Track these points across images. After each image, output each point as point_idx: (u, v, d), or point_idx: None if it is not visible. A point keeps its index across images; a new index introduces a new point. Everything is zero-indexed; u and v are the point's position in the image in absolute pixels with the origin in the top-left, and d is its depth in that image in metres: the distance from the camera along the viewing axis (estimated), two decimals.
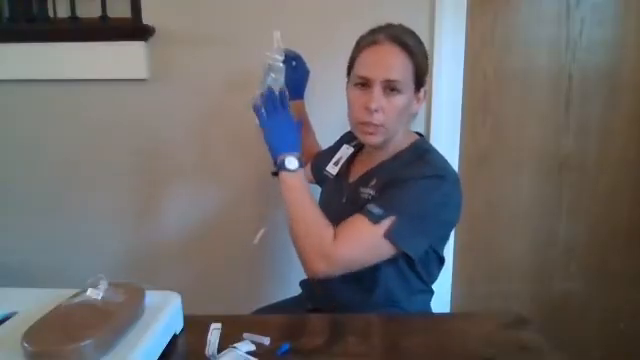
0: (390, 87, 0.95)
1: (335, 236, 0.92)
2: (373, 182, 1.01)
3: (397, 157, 1.03)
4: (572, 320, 1.68)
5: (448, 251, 1.57)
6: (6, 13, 1.55)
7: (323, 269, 0.92)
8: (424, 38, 1.43)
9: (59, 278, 1.60)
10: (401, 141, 1.04)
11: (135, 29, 1.48)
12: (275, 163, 0.99)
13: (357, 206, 0.98)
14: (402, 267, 0.98)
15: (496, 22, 1.51)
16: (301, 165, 0.98)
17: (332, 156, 1.18)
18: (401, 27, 1.01)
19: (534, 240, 1.65)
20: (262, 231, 1.12)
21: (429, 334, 0.83)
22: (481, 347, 0.78)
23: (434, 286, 1.09)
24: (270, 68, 1.24)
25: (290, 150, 0.98)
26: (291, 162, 0.97)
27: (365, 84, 0.97)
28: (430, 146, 1.06)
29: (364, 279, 0.99)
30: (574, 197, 1.61)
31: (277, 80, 1.26)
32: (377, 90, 0.95)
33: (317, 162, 1.27)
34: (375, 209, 0.91)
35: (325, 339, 0.79)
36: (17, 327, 0.65)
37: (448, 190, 0.96)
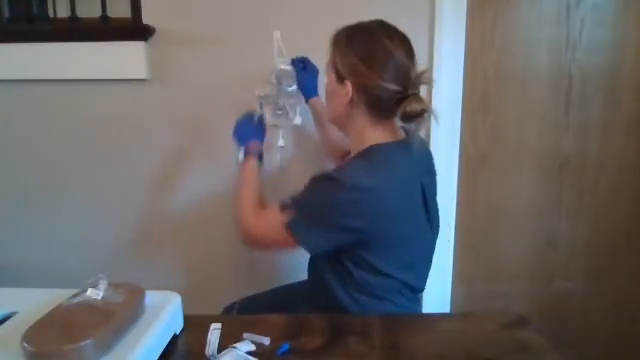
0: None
1: (255, 215, 1.05)
2: None
3: (354, 157, 1.01)
4: (572, 320, 1.68)
5: (448, 251, 1.58)
6: (6, 13, 1.55)
7: (245, 241, 1.07)
8: (424, 39, 1.45)
9: (59, 278, 1.60)
10: (369, 140, 0.99)
11: (135, 29, 1.48)
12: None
13: None
14: (334, 262, 0.98)
15: (496, 22, 1.51)
16: (246, 155, 1.18)
17: None
18: (363, 22, 1.01)
19: (534, 240, 1.65)
20: None
21: (429, 334, 0.83)
22: (481, 347, 0.78)
23: (431, 295, 1.05)
24: (280, 74, 1.24)
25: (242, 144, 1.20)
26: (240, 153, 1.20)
27: None
28: (377, 152, 0.97)
29: (310, 269, 1.09)
30: (574, 197, 1.61)
31: (289, 87, 1.26)
32: None
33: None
34: (287, 198, 0.97)
35: (325, 339, 0.79)
36: (17, 327, 0.65)
37: (346, 197, 0.91)
